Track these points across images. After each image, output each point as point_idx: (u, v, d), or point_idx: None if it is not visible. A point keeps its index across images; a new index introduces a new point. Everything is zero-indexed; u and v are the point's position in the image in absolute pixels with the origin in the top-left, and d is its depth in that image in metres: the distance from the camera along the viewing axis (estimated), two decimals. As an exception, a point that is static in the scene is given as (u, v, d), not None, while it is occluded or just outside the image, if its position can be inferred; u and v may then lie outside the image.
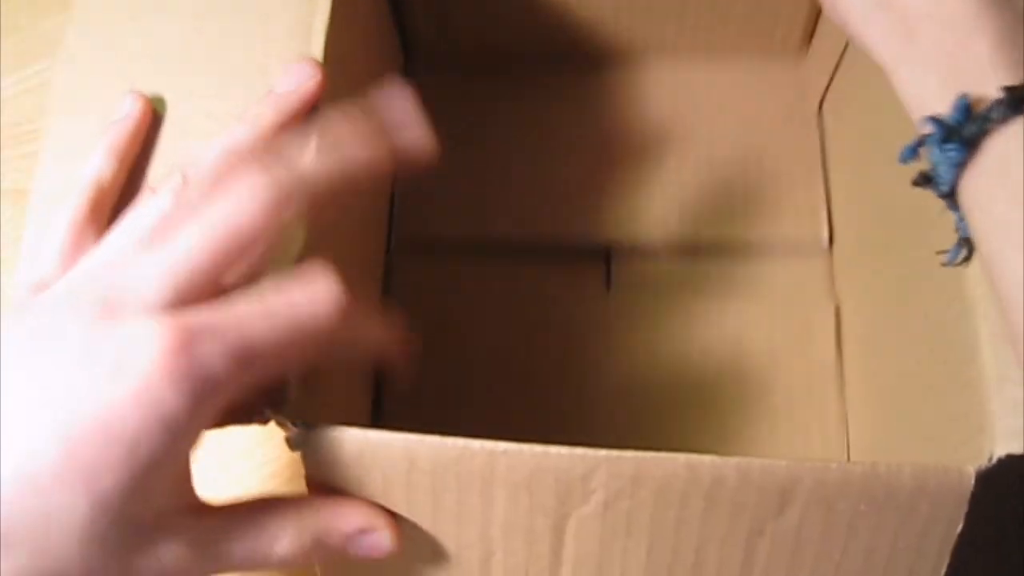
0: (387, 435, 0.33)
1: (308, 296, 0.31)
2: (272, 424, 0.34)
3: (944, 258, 0.35)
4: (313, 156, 0.33)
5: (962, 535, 0.33)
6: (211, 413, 0.30)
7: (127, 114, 0.38)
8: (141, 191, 0.38)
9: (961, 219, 0.33)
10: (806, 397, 0.51)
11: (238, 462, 0.51)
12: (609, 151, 0.56)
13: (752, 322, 0.52)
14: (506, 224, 0.55)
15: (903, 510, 0.33)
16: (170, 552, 0.31)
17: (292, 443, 0.34)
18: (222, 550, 0.32)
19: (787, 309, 0.53)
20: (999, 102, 0.30)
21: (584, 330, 0.52)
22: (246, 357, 0.30)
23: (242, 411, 0.33)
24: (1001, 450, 0.33)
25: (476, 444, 0.33)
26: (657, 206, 0.55)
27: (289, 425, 0.33)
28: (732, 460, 0.33)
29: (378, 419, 0.51)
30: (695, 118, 0.57)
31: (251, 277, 0.33)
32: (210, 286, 0.31)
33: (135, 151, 0.38)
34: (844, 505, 0.33)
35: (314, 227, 0.36)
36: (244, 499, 0.34)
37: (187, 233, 0.31)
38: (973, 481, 0.33)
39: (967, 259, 0.35)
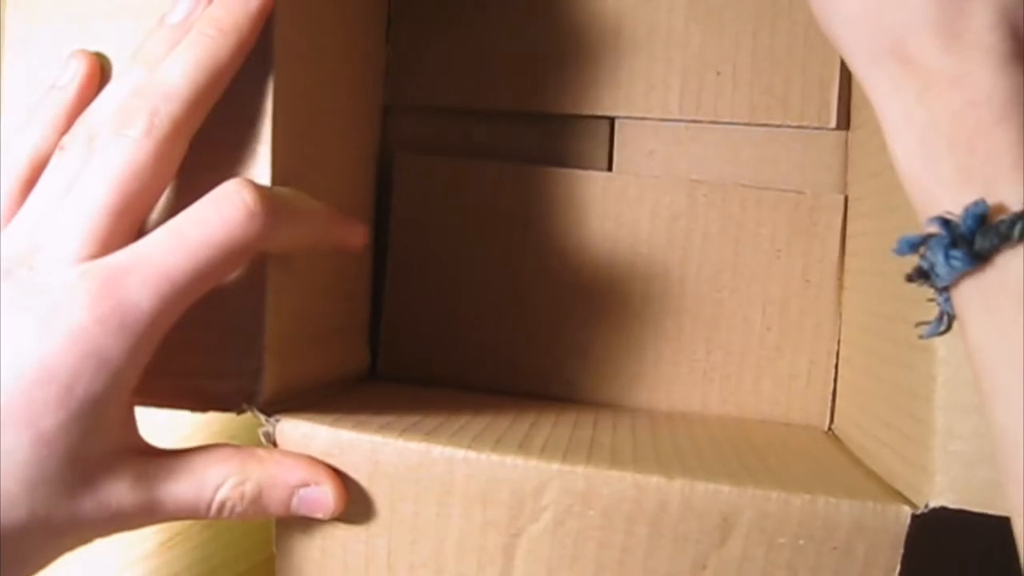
0: (354, 435, 0.35)
1: (220, 216, 0.32)
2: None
3: (923, 331, 0.32)
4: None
5: (900, 578, 0.35)
6: (147, 349, 0.32)
7: (70, 80, 0.37)
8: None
9: (947, 300, 0.30)
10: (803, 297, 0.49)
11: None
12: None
13: (757, 210, 0.50)
14: (505, 93, 0.52)
15: (841, 550, 0.35)
16: (114, 492, 0.33)
17: (265, 436, 0.36)
18: (165, 492, 0.34)
19: (794, 198, 0.49)
20: (1019, 216, 0.26)
21: (583, 215, 0.50)
22: (170, 289, 0.32)
23: (219, 399, 0.35)
24: (936, 502, 0.34)
25: (436, 450, 0.35)
26: (662, 79, 0.50)
27: (263, 418, 0.35)
28: (676, 483, 0.35)
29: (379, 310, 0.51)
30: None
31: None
32: (127, 228, 0.33)
33: (76, 119, 0.36)
34: (784, 539, 0.35)
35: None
36: (189, 446, 0.35)
37: (94, 181, 0.33)
38: (909, 522, 0.34)
39: (946, 331, 0.31)
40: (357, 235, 0.40)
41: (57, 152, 0.35)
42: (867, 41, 0.31)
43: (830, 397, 0.49)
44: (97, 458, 0.32)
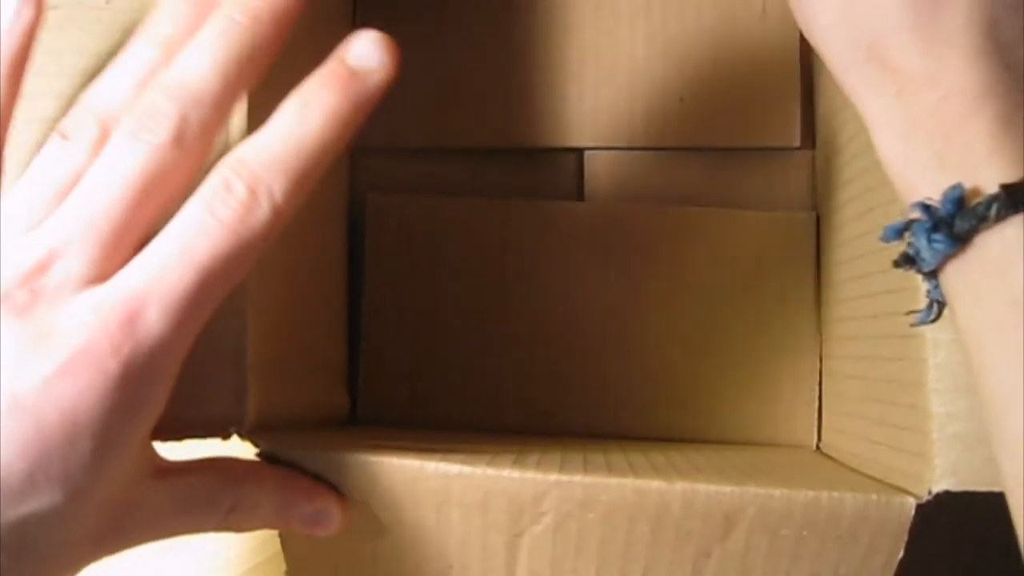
0: (345, 455, 0.35)
1: (220, 222, 0.30)
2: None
3: (914, 319, 0.33)
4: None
5: (903, 564, 0.34)
6: (174, 374, 0.31)
7: (14, 25, 0.33)
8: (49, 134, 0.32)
9: (935, 287, 0.31)
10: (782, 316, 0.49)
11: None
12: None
13: (731, 232, 0.50)
14: (472, 130, 0.51)
15: (845, 538, 0.34)
16: (134, 523, 0.32)
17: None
18: (175, 513, 0.33)
19: (767, 217, 0.50)
20: (995, 198, 0.27)
21: (558, 246, 0.50)
22: (190, 312, 0.30)
23: (203, 425, 0.34)
24: (938, 487, 0.34)
25: (431, 466, 0.35)
26: (627, 108, 0.51)
27: (251, 443, 0.35)
28: (677, 486, 0.34)
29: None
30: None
31: None
32: (139, 241, 0.30)
33: (26, 65, 0.33)
34: (788, 531, 0.34)
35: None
36: (198, 459, 0.35)
37: (106, 188, 0.30)
38: (913, 512, 0.34)
39: (936, 319, 0.33)
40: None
41: (57, 138, 0.31)
42: (845, 47, 0.32)
43: (816, 415, 0.49)
44: (123, 494, 0.31)
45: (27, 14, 0.33)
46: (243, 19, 0.31)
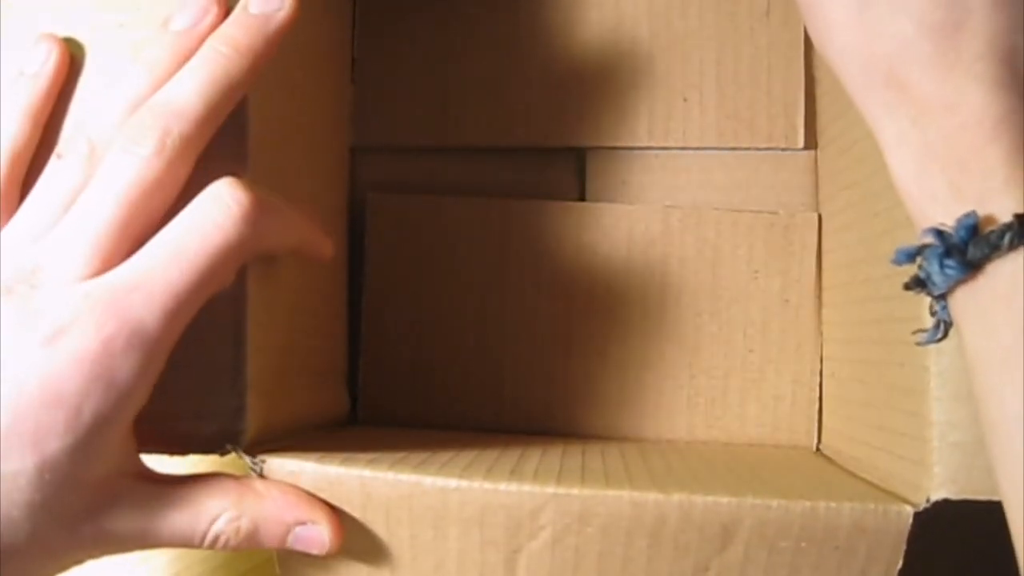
0: (342, 470, 0.35)
1: (214, 222, 0.32)
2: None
3: (921, 337, 0.33)
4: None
5: (902, 573, 0.34)
6: (156, 367, 0.32)
7: (41, 67, 0.36)
8: (50, 153, 0.36)
9: (944, 307, 0.31)
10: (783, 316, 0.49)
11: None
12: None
13: (732, 232, 0.50)
14: (472, 130, 0.52)
15: (843, 549, 0.34)
16: (111, 518, 0.32)
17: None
18: (160, 521, 0.33)
19: (768, 218, 0.49)
20: (1008, 227, 0.28)
21: (558, 246, 0.50)
22: (175, 304, 0.31)
23: (202, 441, 0.35)
24: (937, 495, 0.34)
25: (428, 481, 0.35)
26: (631, 110, 0.51)
27: (248, 459, 0.35)
28: (674, 498, 0.34)
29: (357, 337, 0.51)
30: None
31: None
32: (131, 246, 0.32)
33: (49, 109, 0.36)
34: (786, 543, 0.34)
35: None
36: (186, 474, 0.35)
37: (100, 197, 0.32)
38: (911, 521, 0.34)
39: (943, 338, 0.33)
40: (327, 245, 0.40)
41: (54, 159, 0.34)
42: (862, 70, 0.32)
43: (816, 416, 0.49)
44: (98, 482, 0.32)
45: (53, 61, 0.36)
46: (225, 49, 0.34)
